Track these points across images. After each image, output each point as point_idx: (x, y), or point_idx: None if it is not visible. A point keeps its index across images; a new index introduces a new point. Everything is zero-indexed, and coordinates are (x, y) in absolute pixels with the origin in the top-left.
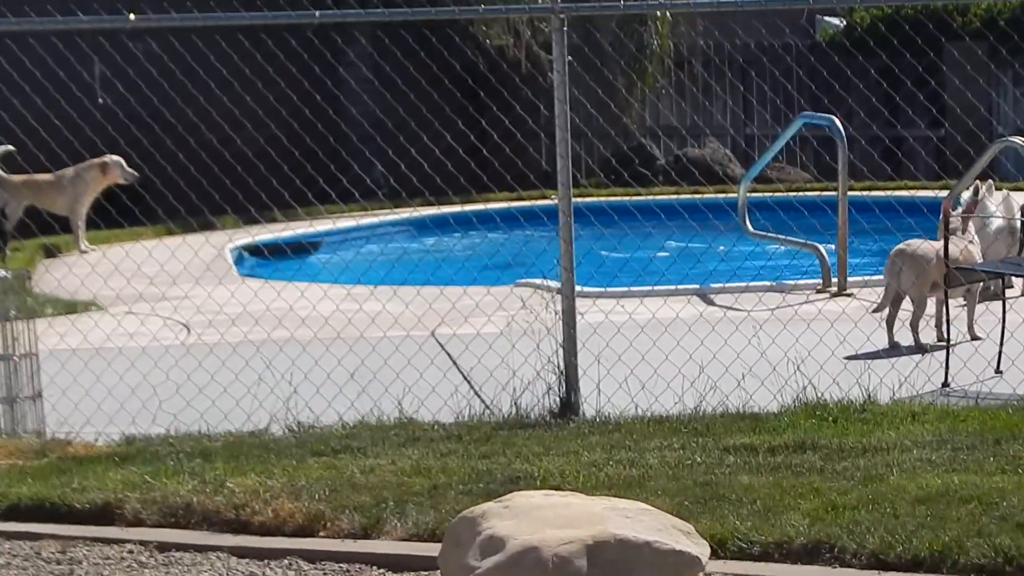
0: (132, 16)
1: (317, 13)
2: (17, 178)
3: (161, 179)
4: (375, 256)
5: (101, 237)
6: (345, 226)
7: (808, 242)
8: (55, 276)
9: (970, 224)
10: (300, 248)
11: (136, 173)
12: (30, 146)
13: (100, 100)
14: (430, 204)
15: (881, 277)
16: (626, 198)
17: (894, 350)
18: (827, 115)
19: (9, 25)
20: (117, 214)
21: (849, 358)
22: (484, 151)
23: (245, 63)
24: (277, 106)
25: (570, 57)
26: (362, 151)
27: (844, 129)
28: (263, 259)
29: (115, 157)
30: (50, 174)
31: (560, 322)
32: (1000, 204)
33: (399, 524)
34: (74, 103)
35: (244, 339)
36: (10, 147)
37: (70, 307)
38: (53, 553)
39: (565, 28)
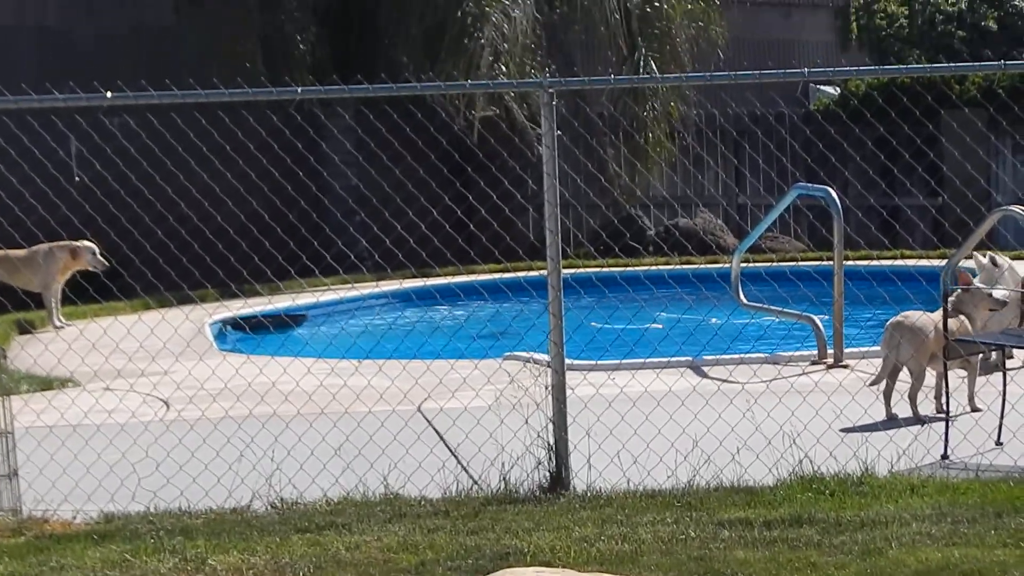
0: (109, 94)
1: (299, 89)
2: None
3: (140, 256)
4: (360, 331)
5: (78, 312)
6: (329, 299)
7: (803, 314)
8: (30, 353)
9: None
10: (282, 323)
11: (106, 263)
12: (4, 224)
13: (77, 178)
14: (415, 277)
15: (878, 348)
16: (616, 269)
17: (892, 422)
18: (822, 186)
19: None
20: (95, 291)
21: (846, 431)
22: (471, 226)
23: (225, 139)
24: (259, 182)
25: (559, 131)
26: (346, 226)
27: (840, 199)
28: (245, 334)
29: (87, 244)
30: (23, 250)
31: (550, 396)
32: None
33: None
34: (49, 181)
35: (225, 415)
36: None
37: (46, 384)
38: None
39: (554, 103)
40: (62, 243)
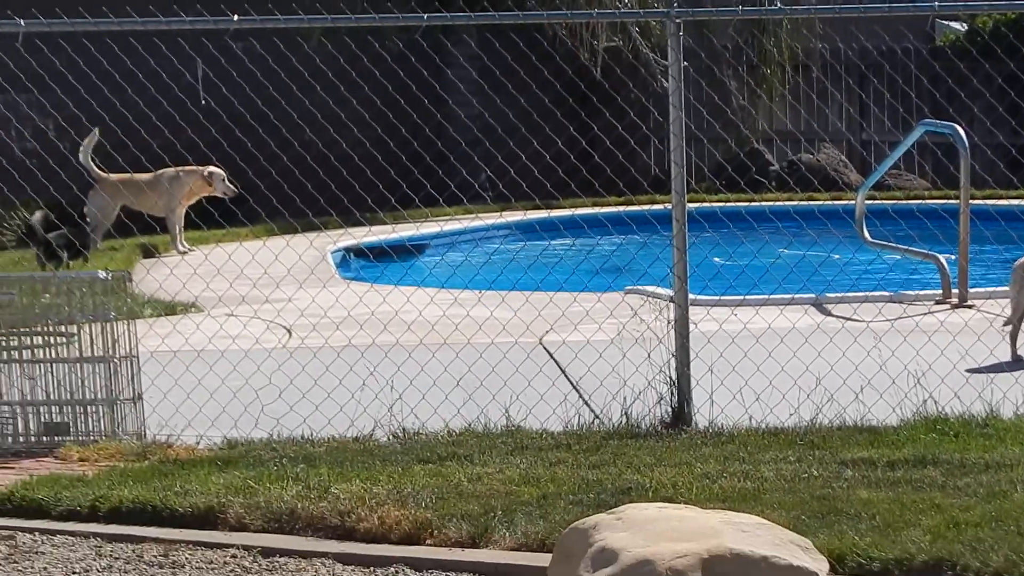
0: (236, 17)
1: (425, 16)
2: (114, 177)
3: (264, 181)
4: (483, 261)
5: (202, 238)
6: (452, 229)
7: (929, 252)
8: (155, 277)
9: None
10: (406, 252)
11: (235, 189)
12: (130, 147)
13: (203, 101)
14: (538, 208)
15: (1005, 289)
16: (740, 204)
17: (1018, 364)
18: (949, 123)
19: (111, 25)
20: (220, 216)
21: (971, 371)
22: (595, 157)
23: (351, 65)
24: (384, 109)
25: (685, 62)
26: (470, 155)
27: (967, 137)
28: (368, 262)
29: (218, 170)
30: (149, 174)
31: (672, 331)
32: None
33: (507, 534)
34: (176, 104)
35: (348, 344)
36: (95, 134)
37: (171, 309)
38: (155, 556)
39: (681, 33)
40: (189, 168)
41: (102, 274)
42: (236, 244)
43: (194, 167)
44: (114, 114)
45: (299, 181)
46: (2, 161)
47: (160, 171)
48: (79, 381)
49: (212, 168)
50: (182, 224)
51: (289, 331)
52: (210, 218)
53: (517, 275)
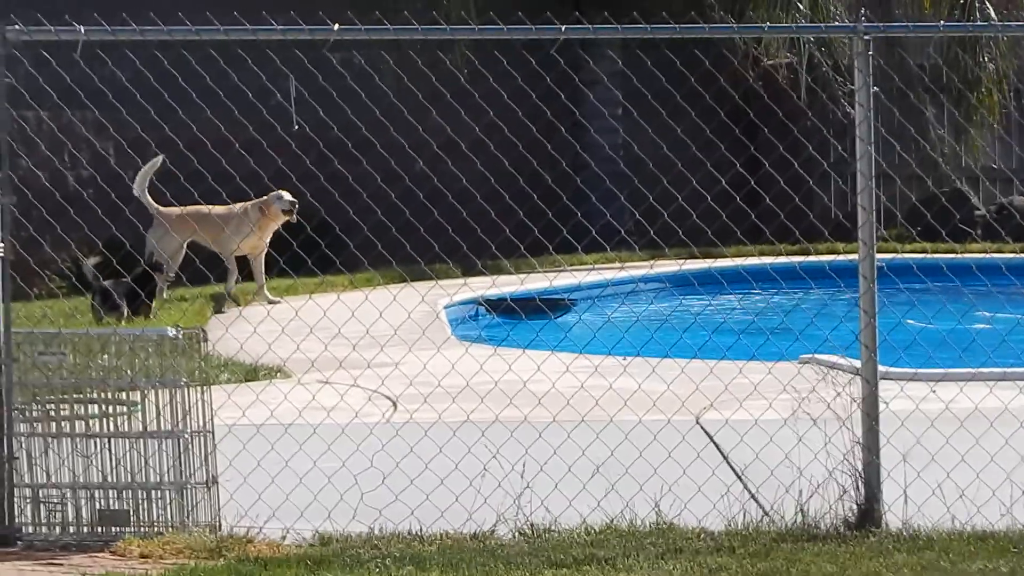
0: (336, 27)
1: (563, 27)
2: (174, 210)
3: (368, 222)
4: (629, 322)
5: (291, 288)
6: (592, 282)
7: None
8: (234, 335)
9: None
10: (537, 309)
11: (295, 200)
12: (209, 178)
13: (295, 125)
14: (697, 258)
15: None
16: (940, 256)
17: None
18: None
19: (187, 34)
20: (313, 263)
21: None
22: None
23: (473, 84)
24: (512, 137)
25: (875, 86)
26: (615, 194)
27: None
28: (491, 321)
29: (277, 193)
30: (223, 207)
31: (858, 411)
32: None
33: None
34: (263, 128)
35: (466, 420)
36: (156, 162)
37: (253, 374)
38: None
39: (870, 52)
40: (256, 200)
41: (171, 331)
42: (332, 297)
43: (257, 200)
44: (189, 138)
45: (409, 222)
46: (55, 194)
47: (234, 205)
48: (142, 460)
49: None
50: (261, 270)
51: (395, 403)
52: (302, 264)
53: (670, 339)
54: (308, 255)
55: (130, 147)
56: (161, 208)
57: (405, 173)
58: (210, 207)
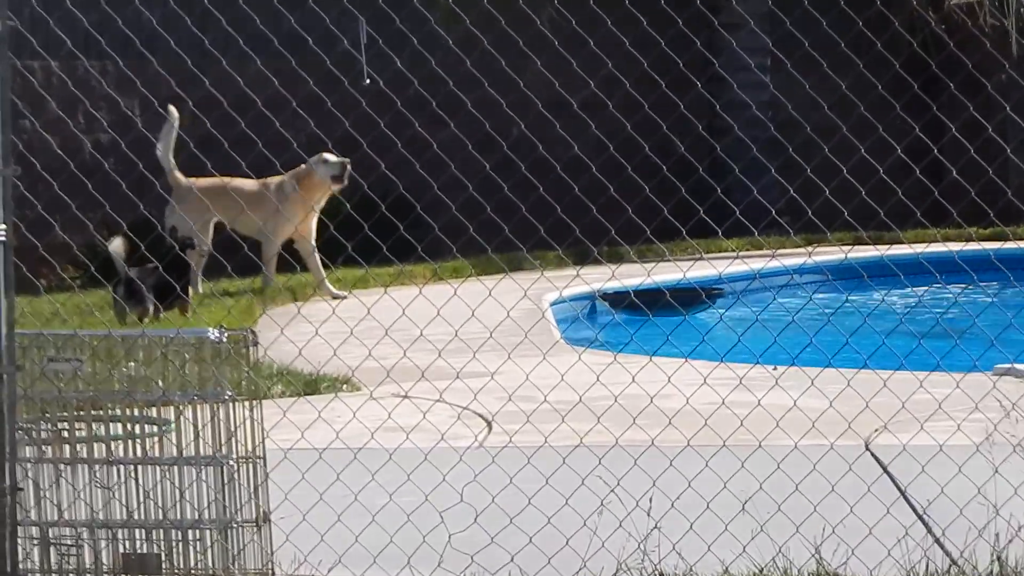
0: None
1: None
2: (202, 182)
3: (456, 198)
4: (781, 321)
5: (360, 280)
6: (735, 272)
7: None
8: (290, 338)
9: None
10: (666, 306)
11: (345, 161)
12: (260, 144)
13: (366, 79)
14: (865, 244)
15: None
16: None
17: None
18: None
19: None
20: (388, 249)
21: None
22: (952, 170)
23: (588, 28)
24: (635, 94)
25: None
26: (763, 165)
27: None
28: (608, 321)
29: (319, 156)
30: (255, 181)
31: None
32: None
33: None
34: (326, 82)
35: (579, 444)
36: (174, 115)
37: (313, 386)
38: None
39: None
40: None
41: (213, 333)
42: (412, 291)
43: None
44: (234, 96)
45: (507, 199)
46: (68, 163)
47: (271, 179)
48: (176, 493)
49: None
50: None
51: (489, 423)
52: (375, 251)
53: (833, 344)
54: (382, 240)
55: (161, 106)
56: (180, 178)
57: (502, 139)
58: (238, 180)
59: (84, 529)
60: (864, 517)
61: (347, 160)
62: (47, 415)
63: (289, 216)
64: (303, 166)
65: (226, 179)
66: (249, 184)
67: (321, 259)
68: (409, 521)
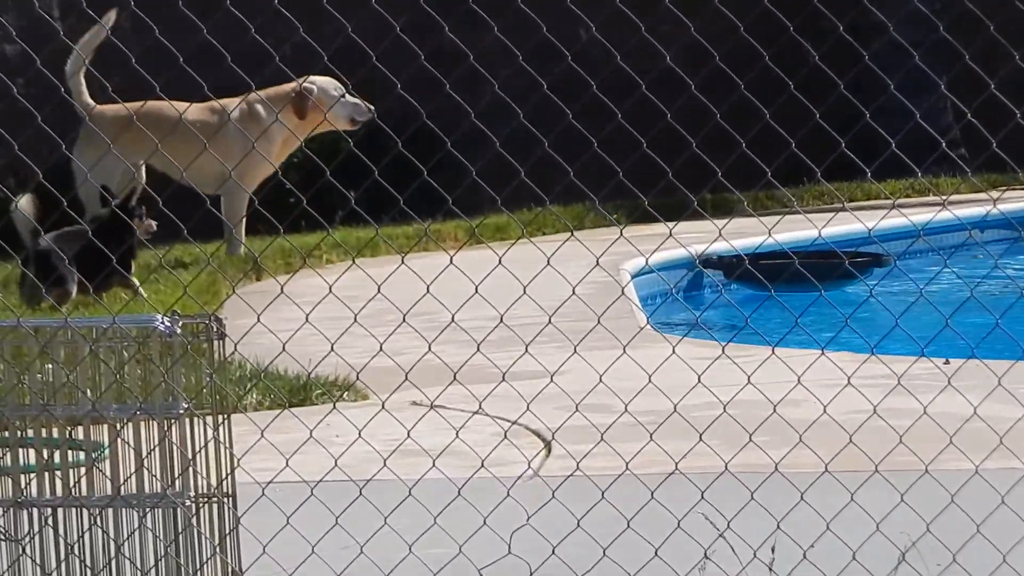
0: None
1: None
2: (117, 108)
3: (498, 132)
4: (957, 296)
5: (365, 242)
6: (890, 228)
7: None
8: (269, 326)
9: None
10: (795, 276)
11: (371, 107)
12: (228, 59)
13: None
14: None
15: None
16: None
17: None
18: None
19: None
20: (407, 203)
21: None
22: None
23: None
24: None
25: None
26: (928, 78)
27: None
28: (713, 298)
29: (319, 79)
30: (203, 104)
31: None
32: None
33: None
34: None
35: (674, 470)
36: (109, 19)
37: (301, 392)
38: None
39: None
40: (276, 89)
41: (163, 322)
42: (441, 259)
43: (279, 88)
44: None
45: (571, 131)
46: None
47: (225, 100)
48: (111, 546)
49: (307, 82)
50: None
51: (548, 443)
52: (387, 204)
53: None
54: (398, 189)
55: (91, 7)
56: (90, 104)
57: (565, 47)
58: (175, 104)
59: None
60: None
61: (372, 108)
62: None
63: (266, 154)
64: (291, 85)
65: (155, 103)
66: (194, 110)
67: (315, 215)
68: None
